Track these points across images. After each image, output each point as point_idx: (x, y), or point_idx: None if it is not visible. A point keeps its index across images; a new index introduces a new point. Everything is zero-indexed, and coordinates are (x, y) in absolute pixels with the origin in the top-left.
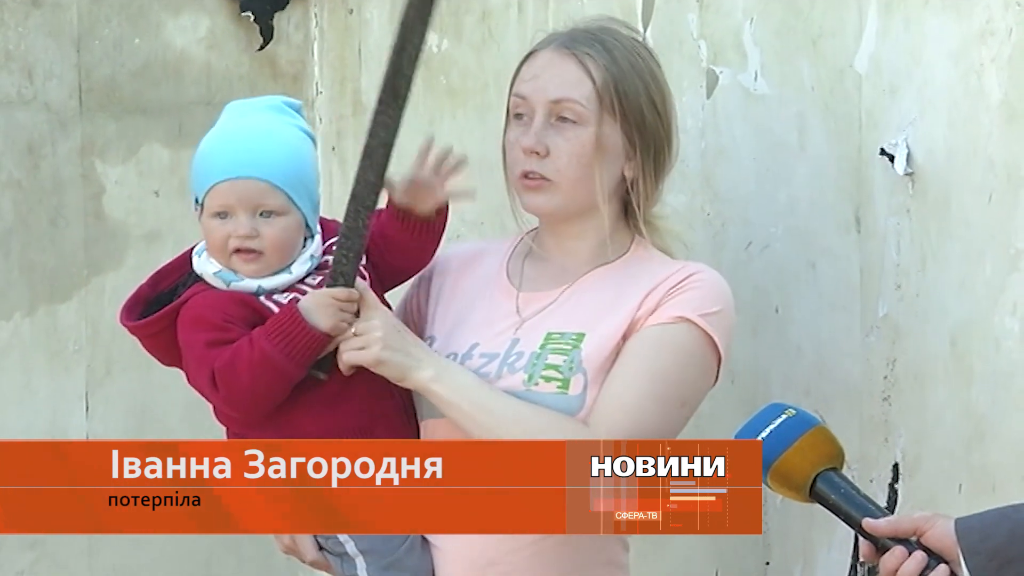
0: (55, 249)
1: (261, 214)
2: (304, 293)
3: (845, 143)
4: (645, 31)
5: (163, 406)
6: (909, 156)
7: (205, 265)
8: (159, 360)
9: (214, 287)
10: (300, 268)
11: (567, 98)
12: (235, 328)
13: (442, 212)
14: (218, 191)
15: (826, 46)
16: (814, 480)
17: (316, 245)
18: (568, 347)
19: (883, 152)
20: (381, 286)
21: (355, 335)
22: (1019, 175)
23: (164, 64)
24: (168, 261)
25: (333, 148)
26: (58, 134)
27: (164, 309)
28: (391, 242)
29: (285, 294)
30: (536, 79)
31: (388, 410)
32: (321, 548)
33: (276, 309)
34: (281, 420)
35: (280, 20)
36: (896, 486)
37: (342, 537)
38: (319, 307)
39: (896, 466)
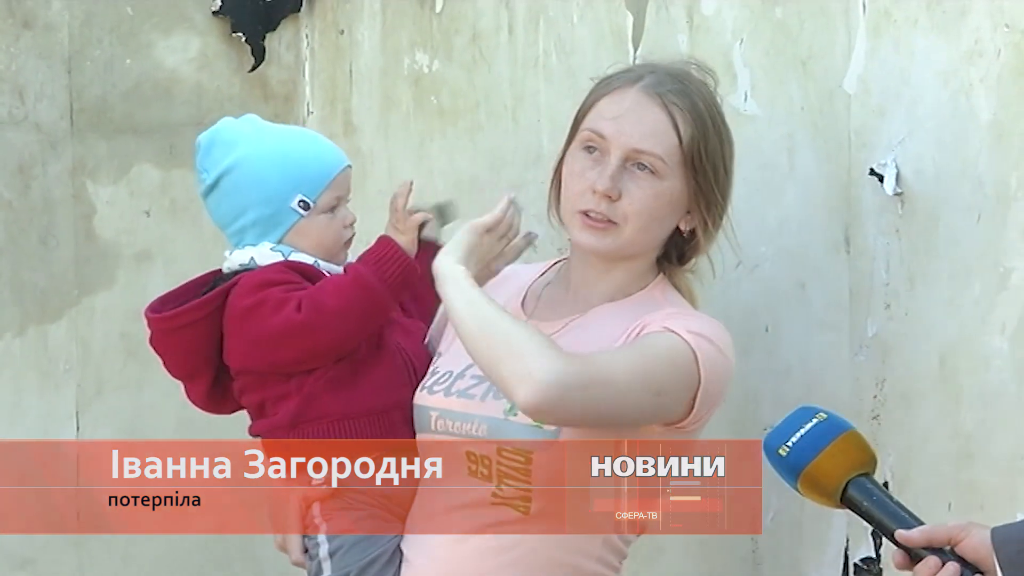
0: (46, 269)
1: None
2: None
3: (834, 163)
4: (635, 53)
5: (153, 425)
6: (898, 176)
7: (254, 250)
8: (170, 366)
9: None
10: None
11: (651, 151)
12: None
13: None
14: (337, 182)
15: (815, 67)
16: (846, 486)
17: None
18: None
19: (872, 172)
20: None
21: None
22: (1007, 195)
23: (155, 84)
24: (177, 286)
25: None
26: (49, 154)
27: (212, 292)
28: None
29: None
30: (620, 121)
31: (405, 398)
32: (306, 551)
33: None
34: (302, 397)
35: (271, 41)
36: None
37: (319, 539)
38: (411, 242)
39: (885, 484)
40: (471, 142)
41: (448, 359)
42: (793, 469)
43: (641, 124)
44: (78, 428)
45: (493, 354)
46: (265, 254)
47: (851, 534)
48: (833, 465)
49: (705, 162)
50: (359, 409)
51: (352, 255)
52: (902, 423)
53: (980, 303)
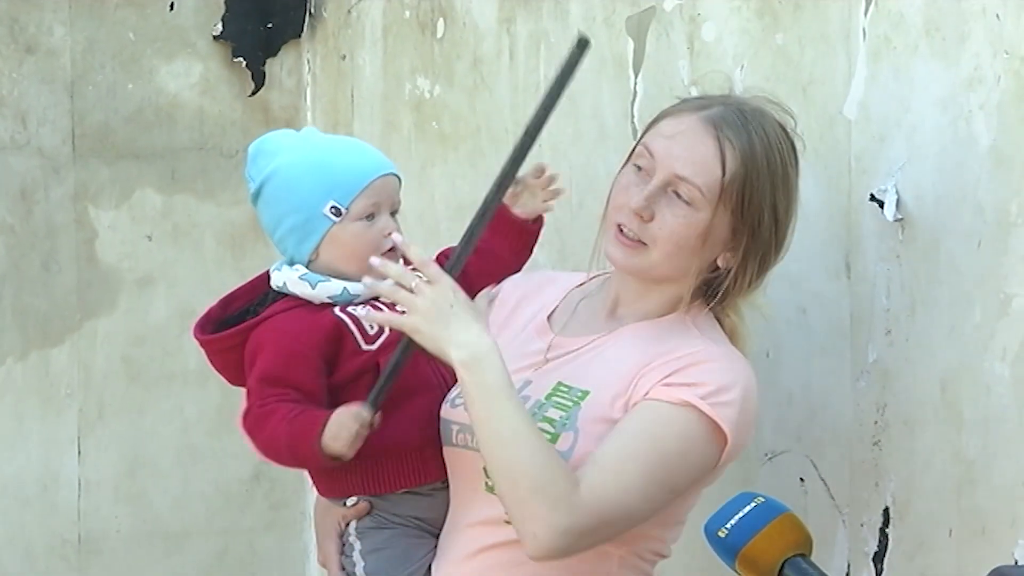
0: (48, 294)
1: (392, 213)
2: (380, 309)
3: (835, 189)
4: (636, 78)
5: (155, 451)
6: (899, 202)
7: (289, 274)
8: (226, 378)
9: (297, 296)
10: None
11: (690, 180)
12: (295, 390)
13: (538, 221)
14: (372, 190)
15: (816, 93)
16: (782, 566)
17: None
18: (570, 404)
19: (873, 198)
20: (468, 290)
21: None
22: (1008, 220)
23: (157, 109)
24: (239, 286)
25: None
26: (51, 179)
27: (241, 324)
28: (485, 244)
29: (362, 306)
30: (671, 142)
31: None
32: (343, 568)
33: (354, 328)
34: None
35: (272, 65)
36: (887, 530)
37: (355, 557)
38: (339, 429)
39: (886, 510)
40: (472, 167)
41: None
42: (731, 550)
43: (690, 151)
44: (79, 453)
45: (507, 483)
46: (294, 281)
47: (852, 560)
48: (769, 545)
49: (748, 203)
50: (391, 447)
51: None
52: (903, 449)
53: (981, 329)
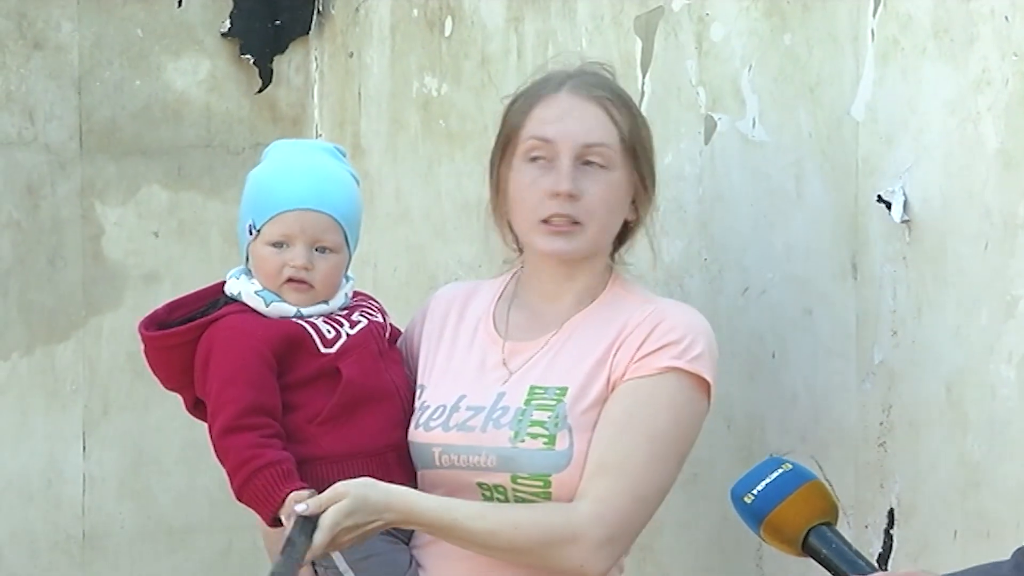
0: (53, 289)
1: (317, 248)
2: (339, 323)
3: (842, 190)
4: (644, 77)
5: (159, 447)
6: (906, 203)
7: (245, 285)
8: (161, 378)
9: (251, 307)
10: (335, 303)
11: (599, 143)
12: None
13: None
14: (283, 220)
15: (824, 94)
16: (807, 534)
17: (350, 286)
18: (552, 402)
19: (880, 199)
20: None
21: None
22: (1015, 223)
23: (164, 106)
24: (186, 294)
25: None
26: (58, 175)
27: (196, 320)
28: None
29: (323, 321)
30: (561, 122)
31: (401, 438)
32: (315, 572)
33: (311, 331)
34: (297, 436)
35: (280, 63)
36: (891, 532)
37: (341, 567)
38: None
39: (891, 512)
40: (479, 166)
41: (435, 392)
42: (757, 516)
43: (584, 121)
44: (84, 448)
45: (521, 557)
46: (249, 295)
47: (860, 548)
48: (795, 513)
49: (642, 151)
50: (357, 450)
51: (363, 283)
52: (909, 450)
53: (987, 331)
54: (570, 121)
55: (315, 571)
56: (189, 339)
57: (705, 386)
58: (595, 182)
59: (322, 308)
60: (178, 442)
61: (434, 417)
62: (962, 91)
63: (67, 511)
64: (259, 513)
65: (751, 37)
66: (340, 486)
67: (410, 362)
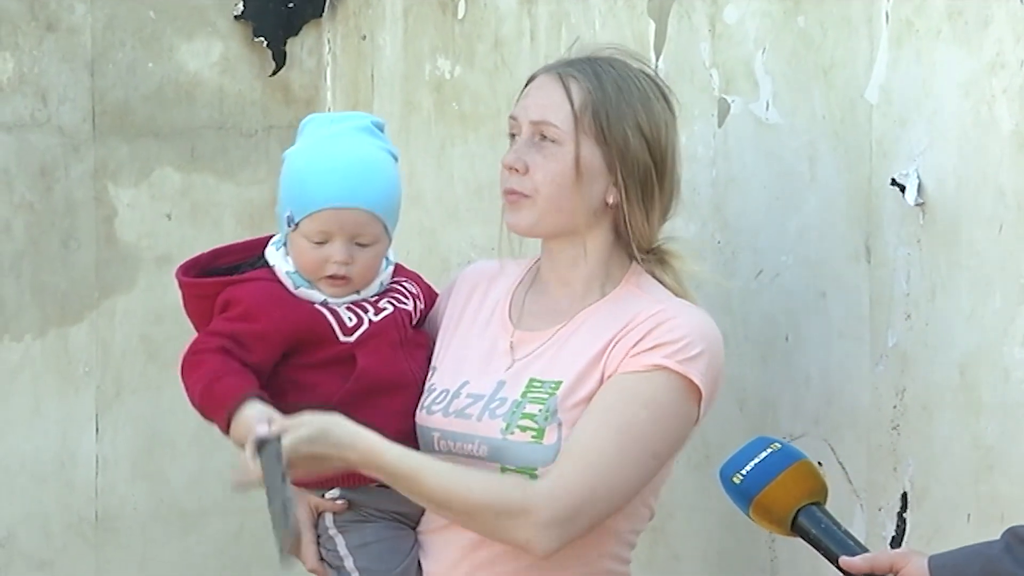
0: (67, 271)
1: (356, 242)
2: (364, 309)
3: (855, 173)
4: (657, 60)
5: (173, 428)
6: (919, 186)
7: (281, 262)
8: (196, 324)
9: (281, 283)
10: (368, 292)
11: (544, 120)
12: (246, 350)
13: None
14: (321, 217)
15: (837, 76)
16: (796, 514)
17: (388, 274)
18: (545, 396)
19: (894, 182)
20: None
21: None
22: None
23: (177, 88)
24: (235, 242)
25: None
26: (71, 157)
27: (225, 277)
28: None
29: (346, 308)
30: (524, 100)
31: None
32: (322, 559)
33: (332, 319)
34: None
35: (293, 45)
36: (904, 515)
37: (341, 551)
38: (240, 427)
39: (905, 495)
40: (492, 148)
41: (443, 376)
42: (745, 496)
43: (540, 99)
44: (97, 430)
45: (472, 521)
46: (281, 272)
47: (869, 544)
48: (783, 493)
49: (608, 127)
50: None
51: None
52: (922, 433)
53: (1001, 314)
54: (530, 99)
55: (321, 558)
56: (216, 292)
57: (696, 392)
58: (544, 156)
59: (351, 297)
60: (191, 424)
61: (437, 401)
62: (976, 73)
63: (80, 493)
64: (216, 417)
65: (765, 19)
66: (306, 415)
67: (432, 339)
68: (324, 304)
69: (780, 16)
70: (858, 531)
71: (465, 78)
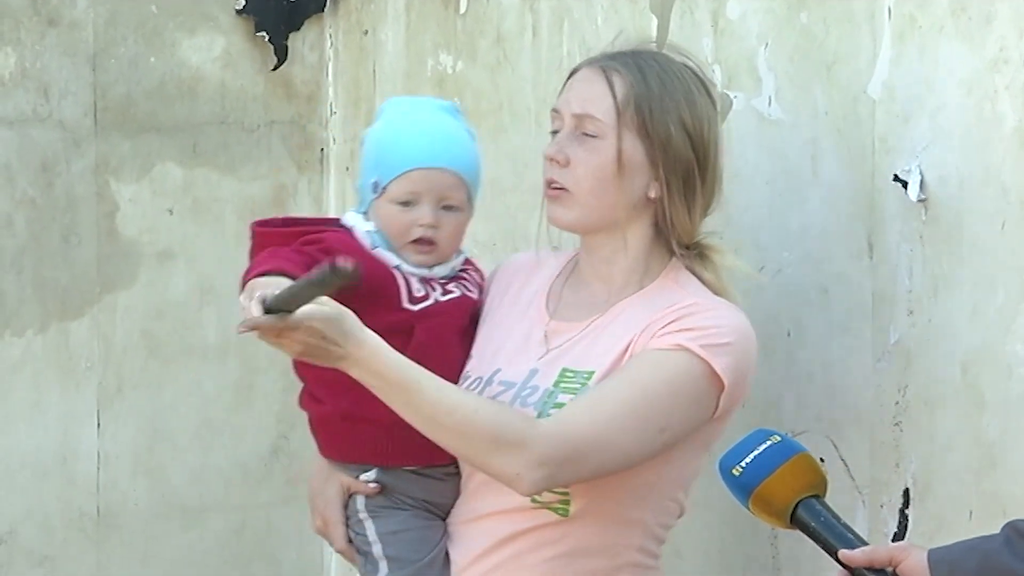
0: (68, 267)
1: (444, 207)
2: (433, 287)
3: (858, 169)
4: None
5: (174, 425)
6: (922, 182)
7: (360, 221)
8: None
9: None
10: (439, 271)
11: (586, 113)
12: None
13: None
14: (412, 178)
15: (840, 72)
16: (795, 507)
17: (459, 261)
18: (578, 386)
19: (896, 178)
20: None
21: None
22: None
23: (179, 83)
24: (305, 216)
25: (347, 168)
26: (72, 152)
27: (302, 229)
28: None
29: (418, 279)
30: (567, 93)
31: None
32: (350, 541)
33: (402, 282)
34: (355, 395)
35: (295, 40)
36: (907, 511)
37: (371, 537)
38: (248, 291)
39: (907, 491)
40: (494, 144)
41: (478, 363)
42: (745, 489)
43: (582, 92)
44: (98, 426)
45: (466, 447)
46: (361, 232)
47: (871, 540)
48: (783, 486)
49: (651, 120)
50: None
51: None
52: (924, 430)
53: (1003, 311)
54: (573, 93)
55: (349, 540)
56: (292, 239)
57: (717, 382)
58: (585, 150)
59: (424, 272)
60: (193, 420)
61: (471, 389)
62: (979, 70)
63: (81, 489)
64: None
65: (767, 15)
66: (327, 300)
67: (474, 329)
68: (397, 268)
69: (783, 12)
70: (860, 527)
71: (467, 73)
